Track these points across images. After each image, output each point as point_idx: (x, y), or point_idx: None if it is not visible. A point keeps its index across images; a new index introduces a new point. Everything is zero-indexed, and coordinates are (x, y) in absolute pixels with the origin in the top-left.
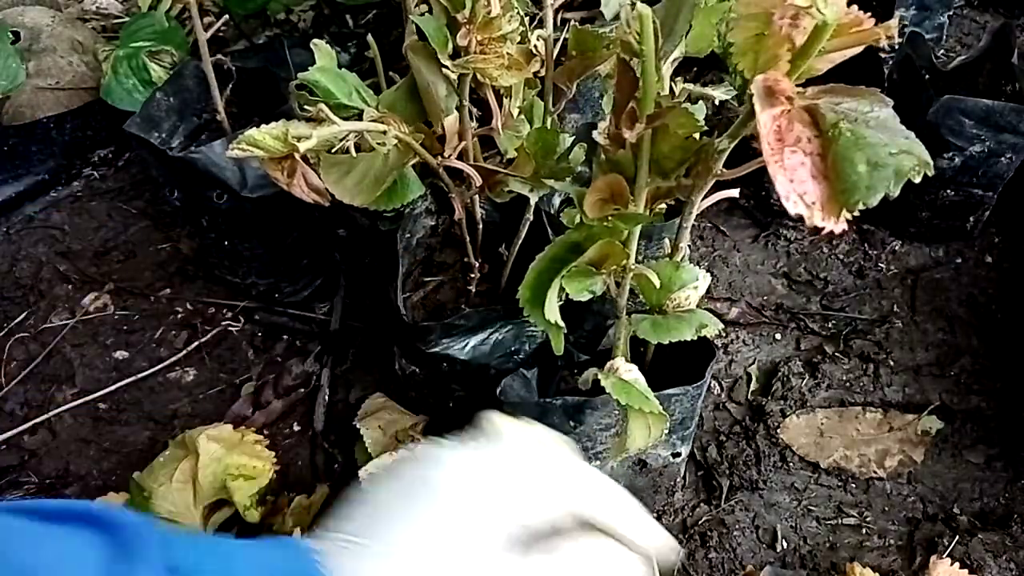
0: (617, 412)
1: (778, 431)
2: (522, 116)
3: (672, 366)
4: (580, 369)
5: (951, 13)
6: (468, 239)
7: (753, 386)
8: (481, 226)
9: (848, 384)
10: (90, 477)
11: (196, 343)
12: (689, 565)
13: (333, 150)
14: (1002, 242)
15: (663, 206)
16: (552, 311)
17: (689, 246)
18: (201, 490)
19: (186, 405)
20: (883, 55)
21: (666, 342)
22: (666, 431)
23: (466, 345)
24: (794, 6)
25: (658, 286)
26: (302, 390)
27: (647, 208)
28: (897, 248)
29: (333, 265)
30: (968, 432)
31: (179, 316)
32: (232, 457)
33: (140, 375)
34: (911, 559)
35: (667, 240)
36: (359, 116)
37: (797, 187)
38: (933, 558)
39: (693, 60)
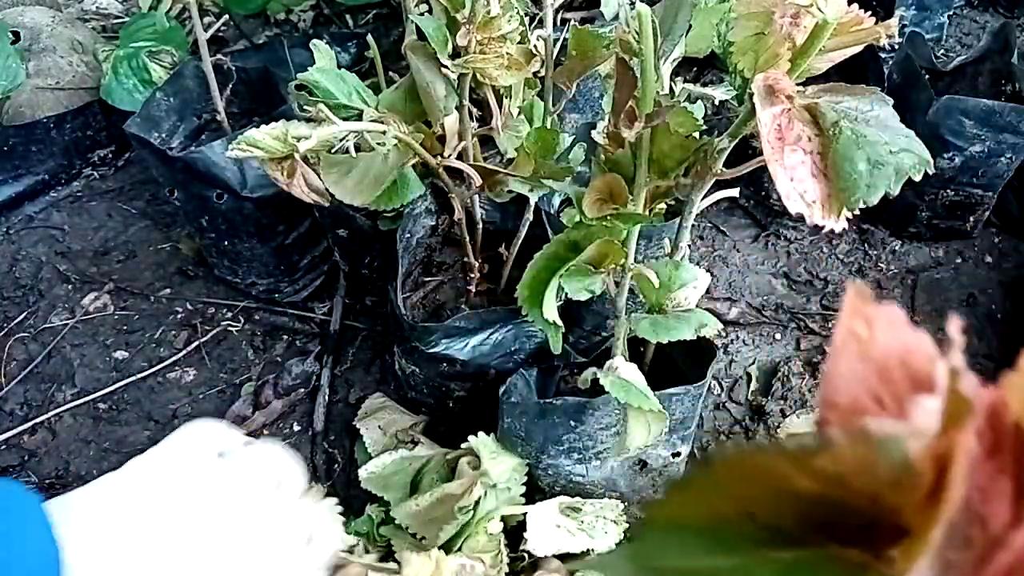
0: (617, 412)
1: (778, 431)
2: (522, 116)
3: (672, 366)
4: (581, 369)
5: (951, 13)
6: (468, 239)
7: (753, 386)
8: (481, 226)
9: None
10: (90, 477)
11: (196, 343)
12: None
13: (333, 150)
14: (1002, 242)
15: (662, 206)
16: (550, 310)
17: (689, 246)
18: None
19: (186, 405)
20: (883, 55)
21: (665, 341)
22: (666, 430)
23: (466, 345)
24: (794, 5)
25: (657, 285)
26: (302, 390)
27: (646, 208)
28: (897, 248)
29: (333, 265)
30: None
31: (179, 316)
32: None
33: (140, 375)
34: None
35: (667, 240)
36: (359, 116)
37: (797, 185)
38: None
39: (693, 60)
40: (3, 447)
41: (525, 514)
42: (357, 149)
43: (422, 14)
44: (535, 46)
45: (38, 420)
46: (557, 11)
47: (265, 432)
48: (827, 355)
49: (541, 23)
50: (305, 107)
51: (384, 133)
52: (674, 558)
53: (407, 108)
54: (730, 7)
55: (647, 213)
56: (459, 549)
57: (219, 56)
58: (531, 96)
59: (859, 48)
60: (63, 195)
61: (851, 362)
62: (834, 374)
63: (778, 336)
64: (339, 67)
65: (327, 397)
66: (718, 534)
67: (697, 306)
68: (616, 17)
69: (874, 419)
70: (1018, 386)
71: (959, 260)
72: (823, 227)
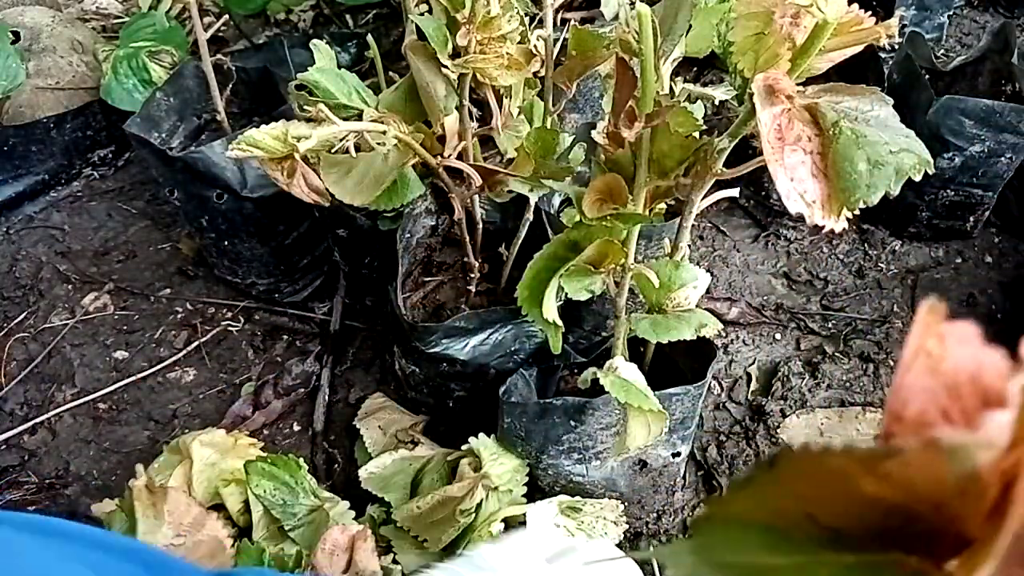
0: (617, 412)
1: (778, 431)
2: (522, 116)
3: (672, 366)
4: (581, 369)
5: (951, 13)
6: (468, 239)
7: (753, 386)
8: (481, 226)
9: (848, 384)
10: (90, 477)
11: (196, 343)
12: None
13: (333, 150)
14: (1002, 242)
15: (662, 206)
16: (550, 310)
17: (689, 246)
18: (196, 497)
19: (186, 405)
20: (883, 55)
21: (665, 341)
22: (666, 429)
23: (466, 345)
24: (795, 5)
25: (657, 285)
26: (302, 390)
27: (646, 208)
28: (897, 248)
29: (333, 265)
30: None
31: (179, 316)
32: (225, 462)
33: (140, 375)
34: None
35: (667, 240)
36: (359, 116)
37: (797, 186)
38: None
39: (693, 60)
40: (3, 447)
41: (525, 513)
42: (357, 149)
43: (422, 14)
44: (535, 46)
45: (38, 420)
46: (557, 11)
47: (265, 432)
48: (828, 355)
49: (541, 23)
50: (305, 107)
51: (384, 133)
52: (735, 554)
53: (407, 108)
54: (730, 7)
55: (647, 213)
56: (462, 553)
57: (219, 56)
58: (531, 96)
59: (859, 48)
60: (63, 195)
61: (920, 376)
62: (902, 387)
63: (778, 336)
64: (339, 67)
65: (327, 397)
66: (779, 533)
67: (697, 306)
68: (616, 17)
69: (945, 429)
70: None
71: (959, 260)
72: (823, 227)
